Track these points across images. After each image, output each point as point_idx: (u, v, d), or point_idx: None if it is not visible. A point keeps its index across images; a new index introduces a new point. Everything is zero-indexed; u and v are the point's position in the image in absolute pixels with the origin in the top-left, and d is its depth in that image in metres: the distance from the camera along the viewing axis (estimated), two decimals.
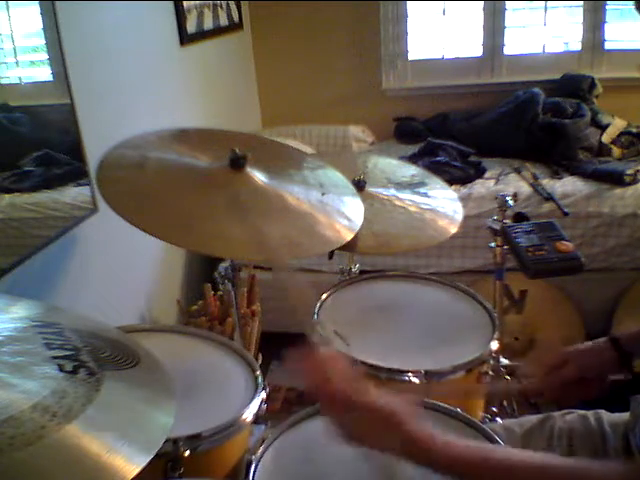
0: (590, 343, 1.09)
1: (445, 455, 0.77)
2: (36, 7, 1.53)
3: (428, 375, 1.20)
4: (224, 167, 1.29)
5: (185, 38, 2.41)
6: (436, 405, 1.08)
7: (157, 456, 0.70)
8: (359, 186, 1.52)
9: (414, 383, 1.19)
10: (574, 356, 1.07)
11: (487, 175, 2.56)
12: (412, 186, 1.63)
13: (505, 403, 1.69)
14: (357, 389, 0.81)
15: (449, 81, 3.21)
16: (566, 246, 1.43)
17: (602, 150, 2.63)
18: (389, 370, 1.22)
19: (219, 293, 2.13)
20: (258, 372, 1.21)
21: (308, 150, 2.69)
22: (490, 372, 1.30)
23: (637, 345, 1.06)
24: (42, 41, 1.57)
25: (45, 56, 1.60)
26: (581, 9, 3.00)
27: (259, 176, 1.31)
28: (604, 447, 1.05)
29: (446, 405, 1.07)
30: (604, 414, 1.11)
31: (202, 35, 2.59)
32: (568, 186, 2.40)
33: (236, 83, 3.13)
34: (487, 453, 0.79)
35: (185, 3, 2.39)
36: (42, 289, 1.52)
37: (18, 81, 1.57)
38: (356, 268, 1.68)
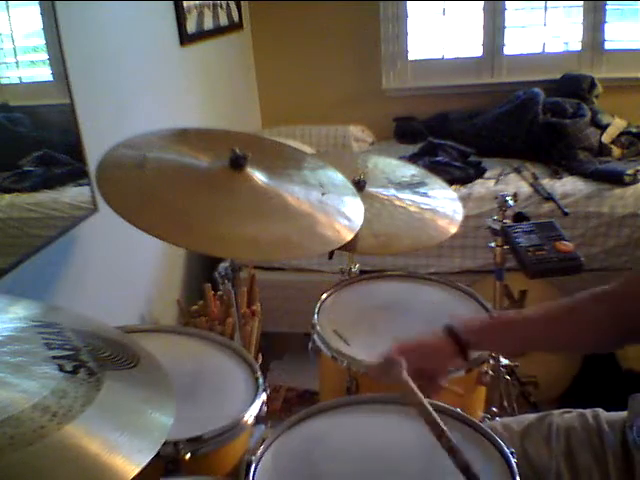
0: (428, 338, 1.06)
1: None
2: (36, 7, 1.53)
3: None
4: (224, 167, 1.29)
5: (185, 38, 2.40)
6: (436, 405, 1.08)
7: (157, 458, 0.70)
8: (359, 186, 1.52)
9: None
10: (416, 351, 1.03)
11: (487, 175, 2.56)
12: (412, 186, 1.63)
13: (505, 403, 1.69)
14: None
15: (449, 81, 3.21)
16: (566, 246, 1.43)
17: (602, 150, 2.63)
18: None
19: (219, 293, 2.13)
20: (258, 373, 1.21)
21: (308, 150, 2.69)
22: (490, 372, 1.30)
23: (476, 337, 1.04)
24: (42, 41, 1.57)
25: (45, 56, 1.60)
26: (581, 9, 3.00)
27: (259, 176, 1.31)
28: (602, 445, 1.05)
29: (446, 405, 1.07)
30: (602, 412, 1.11)
31: (202, 35, 2.59)
32: (568, 186, 2.40)
33: (236, 83, 3.13)
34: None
35: (185, 3, 2.39)
36: (42, 289, 1.52)
37: (18, 81, 1.57)
38: (356, 268, 1.68)
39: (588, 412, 1.12)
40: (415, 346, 1.05)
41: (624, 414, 1.06)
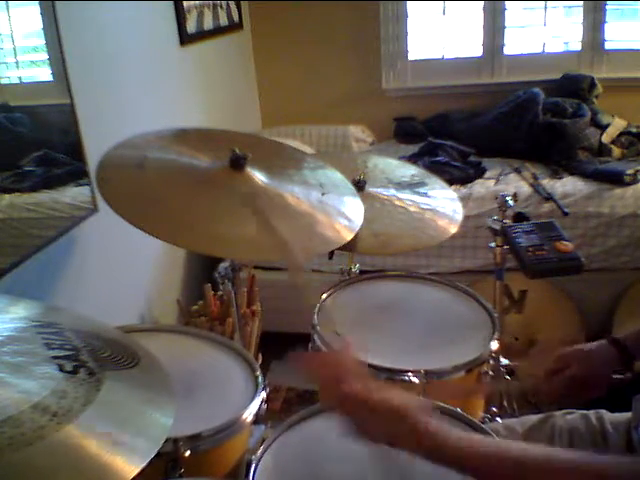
0: (592, 344, 1.09)
1: (459, 452, 0.75)
2: (36, 7, 1.53)
3: (428, 375, 1.20)
4: (224, 167, 1.29)
5: (185, 38, 2.40)
6: (436, 405, 1.08)
7: (157, 456, 0.70)
8: (359, 186, 1.52)
9: (414, 383, 1.19)
10: (578, 357, 1.07)
11: (487, 175, 2.56)
12: (412, 186, 1.63)
13: (505, 403, 1.69)
14: (371, 387, 0.81)
15: (449, 81, 3.21)
16: (566, 246, 1.43)
17: (602, 150, 2.63)
18: (389, 370, 1.22)
19: (219, 293, 2.13)
20: (258, 372, 1.21)
21: (308, 150, 2.69)
22: (490, 372, 1.30)
23: (637, 345, 1.07)
24: (42, 41, 1.57)
25: (45, 56, 1.60)
26: (581, 9, 3.00)
27: (259, 176, 1.31)
28: (605, 446, 1.05)
29: (446, 405, 1.07)
30: (605, 414, 1.11)
31: (202, 35, 2.59)
32: (568, 186, 2.40)
33: (236, 83, 3.13)
34: (502, 452, 0.76)
35: (185, 3, 2.39)
36: (42, 289, 1.52)
37: (18, 81, 1.57)
38: (356, 268, 1.68)
39: (591, 413, 1.12)
40: (574, 350, 1.07)
41: (628, 415, 1.06)
